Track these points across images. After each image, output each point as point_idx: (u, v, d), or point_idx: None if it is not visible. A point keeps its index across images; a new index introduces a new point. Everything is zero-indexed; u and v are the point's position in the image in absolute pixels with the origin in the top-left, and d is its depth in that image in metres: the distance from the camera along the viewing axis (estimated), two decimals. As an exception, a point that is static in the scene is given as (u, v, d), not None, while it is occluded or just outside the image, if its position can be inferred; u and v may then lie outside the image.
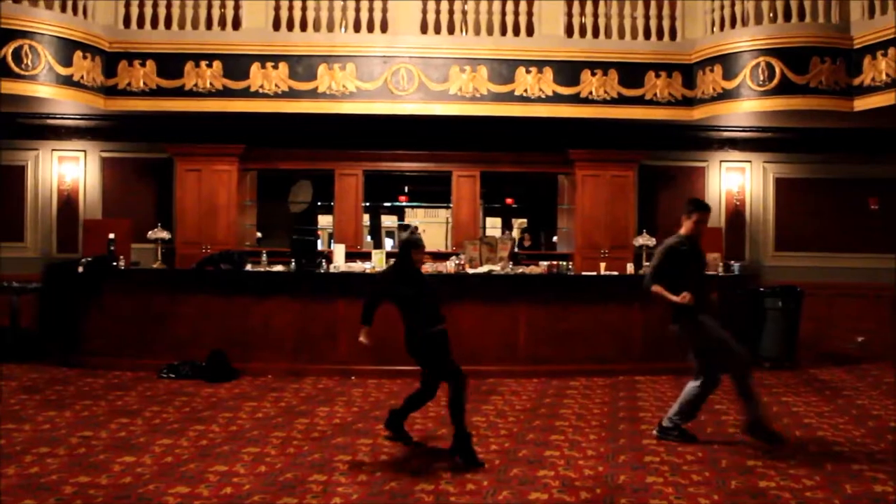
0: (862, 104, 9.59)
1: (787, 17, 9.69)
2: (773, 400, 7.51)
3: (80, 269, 8.89)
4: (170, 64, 10.11)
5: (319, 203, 12.34)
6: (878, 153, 11.16)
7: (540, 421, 6.59)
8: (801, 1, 9.64)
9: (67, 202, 11.02)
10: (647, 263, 9.64)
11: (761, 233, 11.31)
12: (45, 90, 9.37)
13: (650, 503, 4.54)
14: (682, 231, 6.00)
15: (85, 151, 11.10)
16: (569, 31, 10.33)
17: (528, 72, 10.22)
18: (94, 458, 5.32)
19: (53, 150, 11.06)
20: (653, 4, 10.38)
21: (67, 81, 9.50)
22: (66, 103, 9.93)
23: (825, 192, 11.32)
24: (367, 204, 11.82)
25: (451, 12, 10.30)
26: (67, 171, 11.04)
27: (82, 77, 9.65)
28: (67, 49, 9.49)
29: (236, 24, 10.22)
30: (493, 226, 14.69)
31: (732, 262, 10.01)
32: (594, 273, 9.50)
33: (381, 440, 5.89)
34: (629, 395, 7.73)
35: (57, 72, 9.38)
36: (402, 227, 6.29)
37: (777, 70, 9.61)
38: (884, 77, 9.28)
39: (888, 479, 4.99)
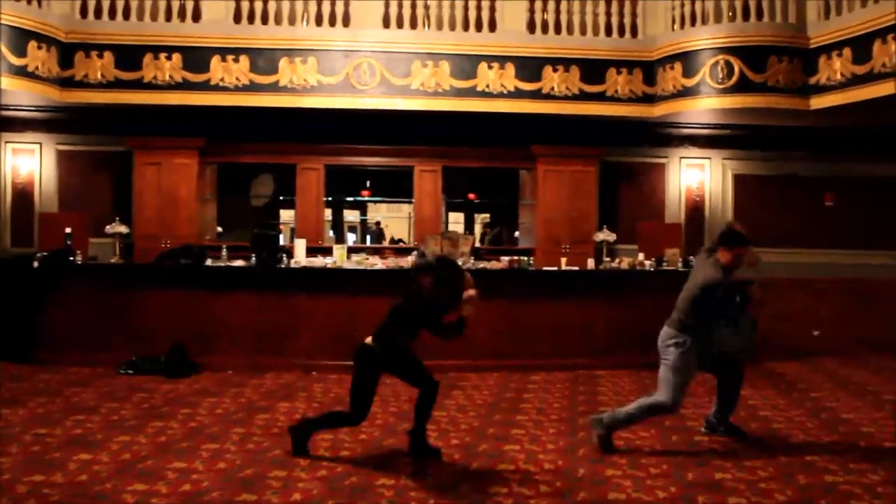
0: (818, 103, 9.76)
1: (746, 16, 9.82)
2: (729, 393, 7.63)
3: (36, 264, 8.74)
4: (128, 56, 9.96)
5: (281, 197, 12.25)
6: (834, 151, 11.39)
7: (500, 415, 6.63)
8: (760, 1, 9.78)
9: (22, 195, 10.82)
10: (608, 259, 9.73)
11: (720, 228, 11.43)
12: (-1, 81, 9.19)
13: (609, 496, 4.59)
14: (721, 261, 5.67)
15: (40, 144, 10.91)
16: (531, 27, 10.37)
17: (490, 67, 10.24)
18: (49, 455, 5.23)
19: (7, 142, 10.86)
20: (614, 2, 10.45)
21: (21, 72, 9.30)
22: (20, 94, 9.72)
23: (782, 188, 11.52)
24: (330, 198, 11.78)
25: (413, 7, 10.28)
26: (22, 163, 10.83)
27: (37, 68, 9.47)
28: (21, 39, 9.28)
29: (196, 16, 10.08)
30: (456, 221, 14.72)
31: (691, 257, 10.12)
32: (555, 268, 9.56)
33: (342, 435, 5.87)
34: (589, 389, 7.80)
35: (10, 62, 9.18)
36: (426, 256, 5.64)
37: (736, 68, 9.74)
38: (839, 76, 9.46)
39: (839, 469, 5.11)
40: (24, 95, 9.81)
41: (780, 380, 8.42)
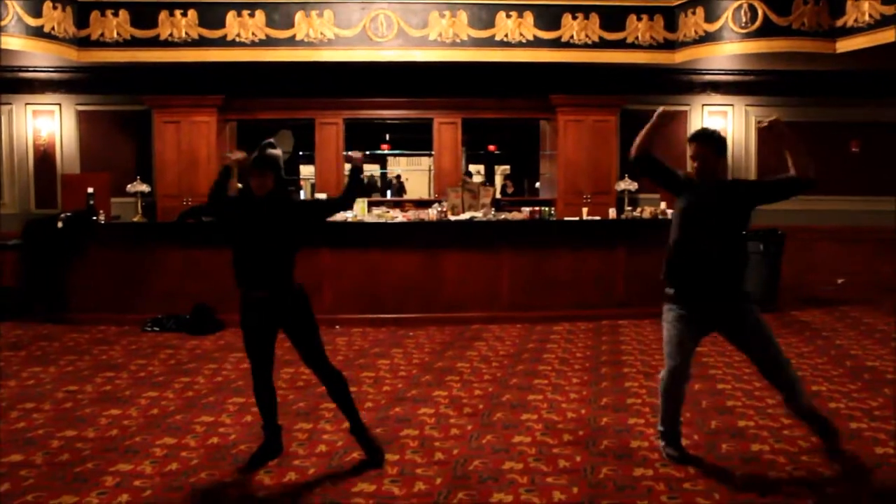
0: (844, 46, 9.54)
1: (770, -44, 9.59)
2: (753, 341, 7.61)
3: (60, 225, 8.82)
4: (143, 13, 9.91)
5: (301, 153, 12.23)
6: (860, 96, 11.15)
7: (523, 366, 6.65)
8: (784, -60, 9.54)
9: (44, 157, 10.87)
10: (629, 208, 9.67)
11: (743, 176, 11.32)
12: (15, 42, 9.16)
13: (632, 444, 4.61)
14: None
15: (60, 105, 10.93)
16: (549, -26, 10.20)
17: (508, 16, 10.09)
18: (81, 411, 5.34)
19: (27, 103, 10.88)
20: (634, -55, 10.24)
21: (38, 33, 9.29)
22: (37, 55, 9.72)
23: (807, 135, 11.23)
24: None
25: (429, -44, 10.13)
26: (43, 125, 10.87)
27: (53, 28, 9.44)
28: (37, -1, 9.28)
29: (210, -29, 10.01)
30: (476, 172, 14.66)
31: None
32: (576, 218, 9.52)
33: (366, 387, 5.93)
34: (612, 339, 7.80)
35: (26, 23, 9.17)
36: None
37: (759, 11, 9.52)
38: (867, 18, 9.22)
39: (864, 416, 5.10)
40: (41, 56, 9.80)
41: (804, 327, 8.38)
